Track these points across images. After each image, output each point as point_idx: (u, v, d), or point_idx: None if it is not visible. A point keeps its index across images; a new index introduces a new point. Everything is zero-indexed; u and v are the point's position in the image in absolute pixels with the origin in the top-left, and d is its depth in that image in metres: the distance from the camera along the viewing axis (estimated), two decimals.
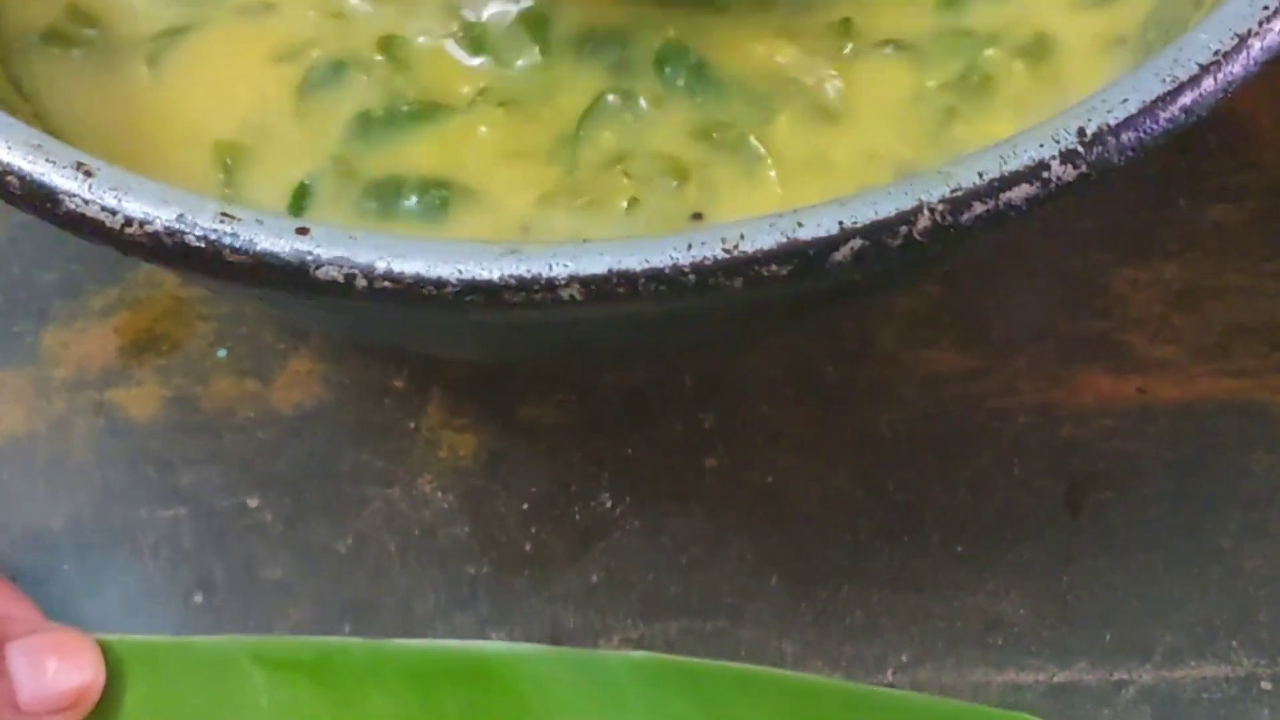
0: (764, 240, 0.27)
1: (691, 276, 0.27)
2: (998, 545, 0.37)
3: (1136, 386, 0.39)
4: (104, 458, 0.38)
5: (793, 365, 0.39)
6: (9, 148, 0.29)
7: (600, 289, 0.27)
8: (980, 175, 0.27)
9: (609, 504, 0.37)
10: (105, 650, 0.33)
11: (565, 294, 0.27)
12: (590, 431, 0.38)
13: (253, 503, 0.37)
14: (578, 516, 0.37)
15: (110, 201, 0.28)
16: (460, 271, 0.27)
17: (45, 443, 0.38)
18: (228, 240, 0.28)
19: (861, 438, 0.38)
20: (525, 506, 0.37)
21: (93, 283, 0.40)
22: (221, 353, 0.39)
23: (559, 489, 0.37)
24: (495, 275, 0.27)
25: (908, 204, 0.27)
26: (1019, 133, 0.28)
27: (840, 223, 0.27)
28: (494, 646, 0.35)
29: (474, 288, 0.27)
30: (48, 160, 0.29)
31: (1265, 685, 0.36)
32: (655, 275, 0.27)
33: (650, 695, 0.34)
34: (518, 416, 0.38)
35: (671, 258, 0.27)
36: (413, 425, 0.38)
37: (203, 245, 0.28)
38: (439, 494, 0.37)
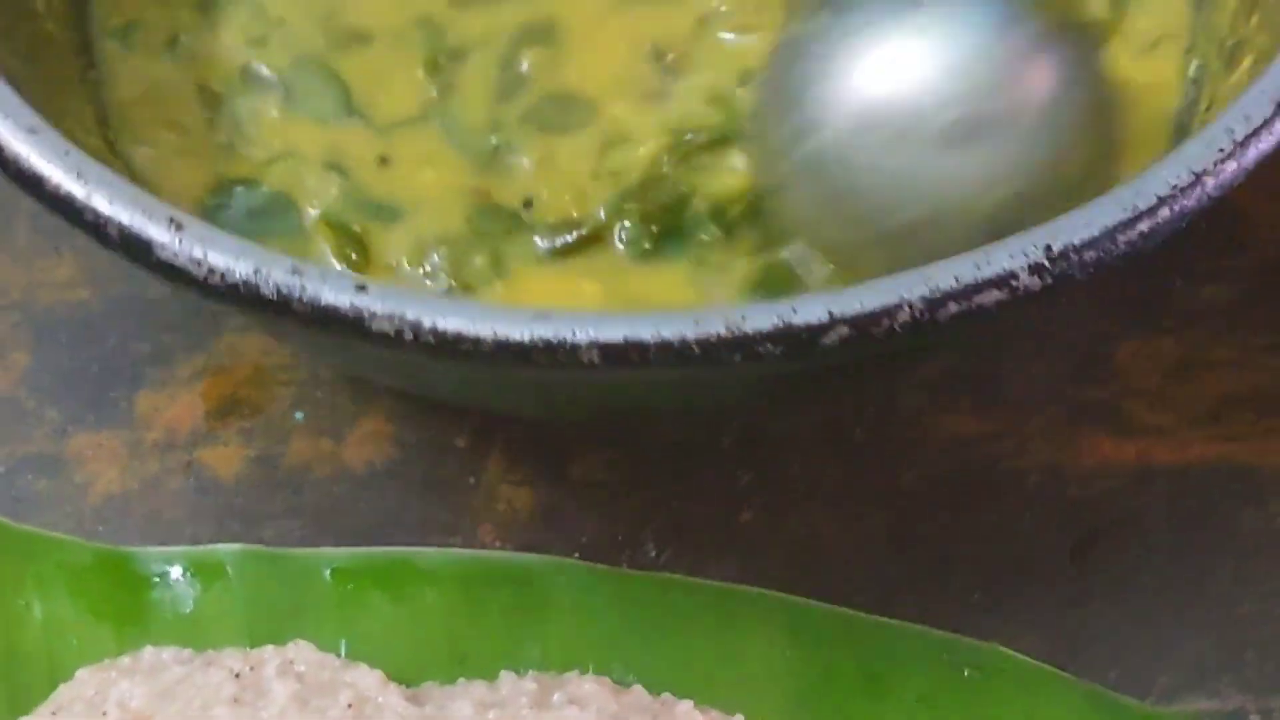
0: (762, 322, 0.31)
1: (696, 349, 0.31)
2: (1012, 592, 0.41)
3: (1136, 450, 0.43)
4: (194, 514, 0.41)
5: (823, 427, 0.42)
6: (110, 202, 0.33)
7: (616, 354, 0.31)
8: (956, 279, 0.31)
9: (653, 553, 0.41)
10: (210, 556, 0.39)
11: (585, 357, 0.31)
12: (636, 486, 0.42)
13: (325, 548, 0.41)
14: (624, 564, 0.41)
15: (197, 254, 0.32)
16: (494, 331, 0.31)
17: (138, 500, 0.42)
18: (296, 293, 0.32)
19: (888, 493, 0.42)
20: (576, 555, 0.40)
21: (181, 352, 0.43)
22: (299, 415, 0.43)
23: (607, 539, 0.41)
24: (525, 337, 0.31)
25: (891, 300, 0.31)
26: (992, 244, 0.32)
27: (830, 312, 0.31)
28: (535, 557, 0.40)
29: (505, 346, 0.31)
30: (144, 215, 0.32)
31: (1254, 718, 0.39)
32: (664, 346, 0.31)
33: (673, 611, 0.39)
34: (569, 473, 0.42)
35: (679, 331, 0.31)
36: (473, 480, 0.42)
37: (274, 297, 0.32)
38: (497, 543, 0.41)
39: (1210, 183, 0.33)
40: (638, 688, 0.37)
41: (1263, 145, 0.33)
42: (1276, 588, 0.41)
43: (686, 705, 0.37)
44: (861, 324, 0.31)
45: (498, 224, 0.40)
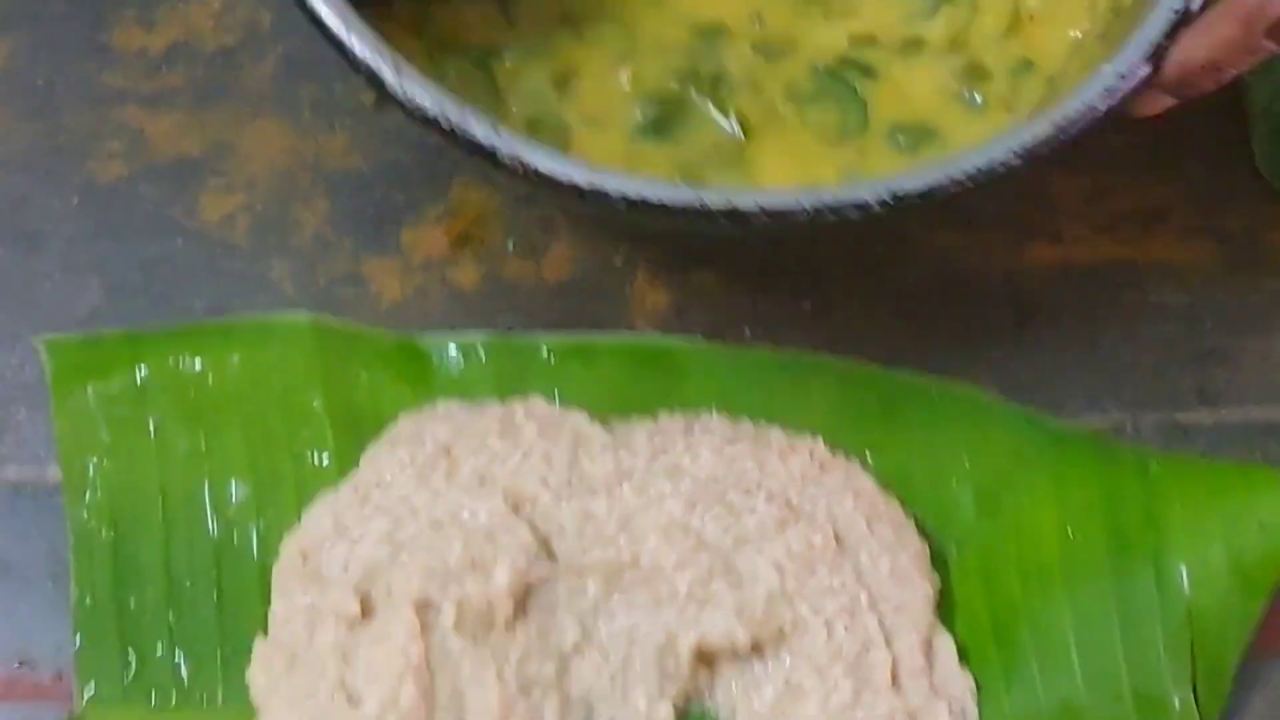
0: (745, 201, 0.48)
1: (722, 216, 0.49)
2: (977, 351, 0.60)
3: (1062, 254, 0.61)
4: (449, 312, 0.60)
5: (851, 246, 0.61)
6: (362, 46, 0.49)
7: (670, 209, 0.48)
8: (834, 199, 0.48)
9: (748, 333, 0.60)
10: (468, 338, 0.59)
11: (615, 203, 0.48)
12: (734, 290, 0.60)
13: (539, 334, 0.60)
14: (729, 341, 0.60)
15: (405, 90, 0.49)
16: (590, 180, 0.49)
17: (413, 303, 0.60)
18: (459, 124, 0.49)
19: (898, 288, 0.61)
20: (699, 335, 0.60)
21: (428, 201, 0.62)
22: (510, 245, 0.62)
23: (718, 325, 0.60)
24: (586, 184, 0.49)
25: (792, 203, 0.48)
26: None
27: (799, 202, 0.48)
28: (673, 338, 0.59)
29: (600, 192, 0.49)
30: (381, 59, 0.49)
31: (1129, 428, 0.59)
32: (681, 208, 0.49)
33: (763, 370, 0.58)
34: (691, 281, 0.60)
35: (689, 200, 0.48)
36: (627, 289, 0.60)
37: (448, 128, 0.49)
38: (647, 329, 0.60)
39: (1001, 167, 0.49)
40: (745, 421, 0.58)
41: (1040, 151, 0.49)
42: (1143, 342, 0.60)
43: (776, 430, 0.58)
44: (776, 215, 0.48)
45: None
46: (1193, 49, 0.51)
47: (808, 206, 0.49)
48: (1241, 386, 0.60)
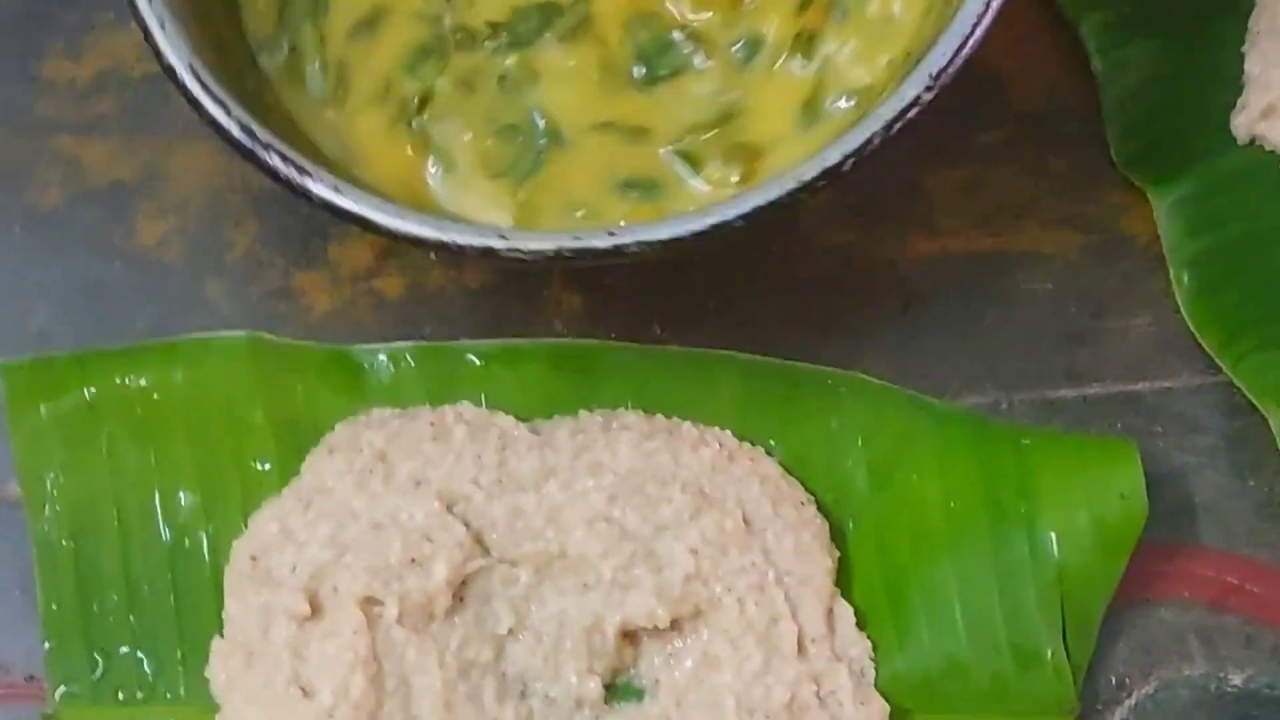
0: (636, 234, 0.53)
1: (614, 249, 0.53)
2: (866, 335, 0.64)
3: (940, 245, 0.65)
4: (378, 322, 0.64)
5: (752, 244, 0.65)
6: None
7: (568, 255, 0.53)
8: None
9: (659, 332, 0.64)
10: (397, 348, 0.62)
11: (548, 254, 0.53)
12: (645, 291, 0.64)
13: (464, 340, 0.64)
14: (642, 339, 0.64)
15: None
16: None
17: (343, 315, 0.64)
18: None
19: (795, 281, 0.65)
20: (613, 336, 0.63)
21: None
22: (432, 254, 0.65)
23: (631, 325, 0.64)
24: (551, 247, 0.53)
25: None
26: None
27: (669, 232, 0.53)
28: (589, 341, 0.63)
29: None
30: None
31: (1004, 406, 0.63)
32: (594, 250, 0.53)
33: (674, 367, 0.61)
34: (604, 284, 0.64)
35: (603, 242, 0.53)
36: (545, 292, 0.64)
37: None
38: (564, 330, 0.64)
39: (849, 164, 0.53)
40: (659, 415, 0.63)
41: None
42: (1017, 326, 0.64)
43: (688, 423, 0.62)
44: (670, 243, 0.53)
45: None
46: None
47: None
48: (1103, 364, 0.64)
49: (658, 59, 0.61)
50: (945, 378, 0.64)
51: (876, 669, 0.60)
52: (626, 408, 0.63)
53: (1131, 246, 0.66)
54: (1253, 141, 0.66)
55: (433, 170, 0.60)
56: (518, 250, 0.53)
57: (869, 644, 0.60)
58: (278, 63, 0.61)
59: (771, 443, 0.62)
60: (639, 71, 0.61)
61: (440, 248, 0.54)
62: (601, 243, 0.53)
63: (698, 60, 0.61)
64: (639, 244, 0.53)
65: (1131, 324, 0.65)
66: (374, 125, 0.60)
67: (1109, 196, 0.66)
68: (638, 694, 0.60)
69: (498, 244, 0.54)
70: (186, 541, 0.61)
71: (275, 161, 0.54)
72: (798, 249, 0.66)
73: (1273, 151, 0.65)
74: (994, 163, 0.66)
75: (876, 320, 0.65)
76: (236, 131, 0.54)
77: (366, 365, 0.63)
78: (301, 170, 0.54)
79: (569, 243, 0.53)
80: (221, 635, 0.59)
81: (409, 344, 0.63)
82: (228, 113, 0.55)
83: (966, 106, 0.66)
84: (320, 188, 0.54)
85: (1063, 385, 0.64)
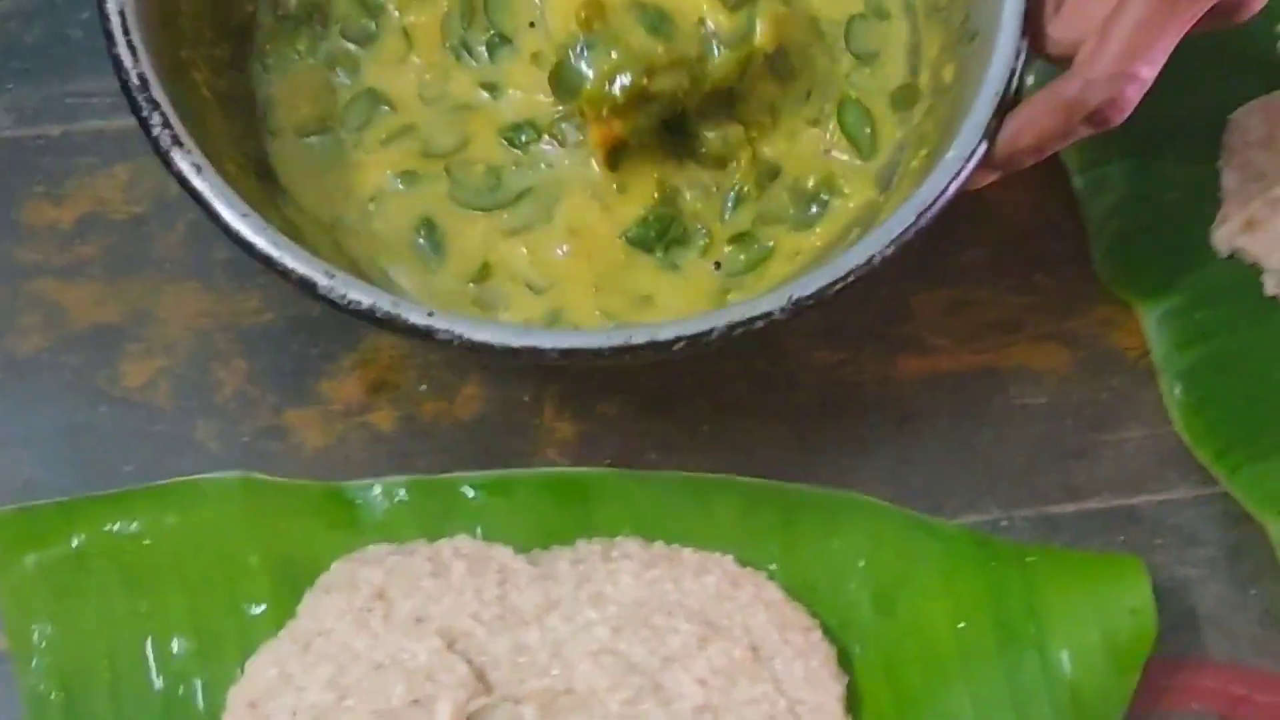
0: (641, 338, 0.54)
1: (608, 352, 0.54)
2: (861, 455, 0.64)
3: (929, 363, 0.65)
4: (371, 457, 0.63)
5: (743, 367, 0.65)
6: (294, 259, 0.54)
7: (565, 354, 0.54)
8: (742, 315, 0.54)
9: (654, 458, 0.63)
10: (390, 483, 0.62)
11: (549, 355, 0.54)
12: (638, 418, 0.64)
13: (458, 473, 0.64)
14: (636, 466, 0.64)
15: (341, 291, 0.55)
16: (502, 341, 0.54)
17: (335, 451, 0.64)
18: (395, 317, 0.54)
19: (788, 406, 0.65)
20: (608, 463, 0.64)
21: (342, 352, 0.65)
22: (423, 387, 0.64)
23: (625, 452, 0.63)
24: (517, 344, 0.54)
25: (707, 326, 0.54)
26: (760, 295, 0.55)
27: (676, 334, 0.54)
28: (583, 470, 0.62)
29: (508, 349, 0.54)
30: (312, 268, 0.54)
31: (1004, 523, 0.63)
32: (590, 350, 0.54)
33: (671, 493, 0.61)
34: (596, 412, 0.64)
35: (599, 342, 0.54)
36: (537, 422, 0.64)
37: (384, 318, 0.54)
38: (558, 460, 0.64)
39: (878, 258, 0.54)
40: (659, 543, 0.62)
41: (907, 239, 0.55)
42: (1013, 443, 0.64)
43: (688, 550, 0.62)
44: (692, 338, 0.54)
45: None
46: (1018, 132, 0.56)
47: (722, 325, 0.54)
48: (1100, 479, 0.64)
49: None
50: (944, 496, 0.64)
51: None
52: (625, 535, 0.63)
53: (1122, 360, 0.66)
54: (1233, 255, 0.66)
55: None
56: (333, 294, 0.54)
57: None
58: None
59: (773, 567, 0.62)
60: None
61: (267, 263, 0.55)
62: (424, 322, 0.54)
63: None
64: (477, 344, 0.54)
65: (1126, 437, 0.65)
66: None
67: (1096, 311, 0.66)
68: None
69: (321, 280, 0.55)
70: (180, 689, 0.60)
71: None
72: (787, 373, 0.66)
73: (1254, 264, 0.66)
74: (980, 281, 0.67)
75: (872, 440, 0.65)
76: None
77: (360, 501, 0.63)
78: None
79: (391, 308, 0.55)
80: None
81: (402, 478, 0.63)
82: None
83: (950, 226, 0.65)
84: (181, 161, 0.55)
85: (1062, 500, 0.64)
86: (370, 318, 0.55)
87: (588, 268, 0.63)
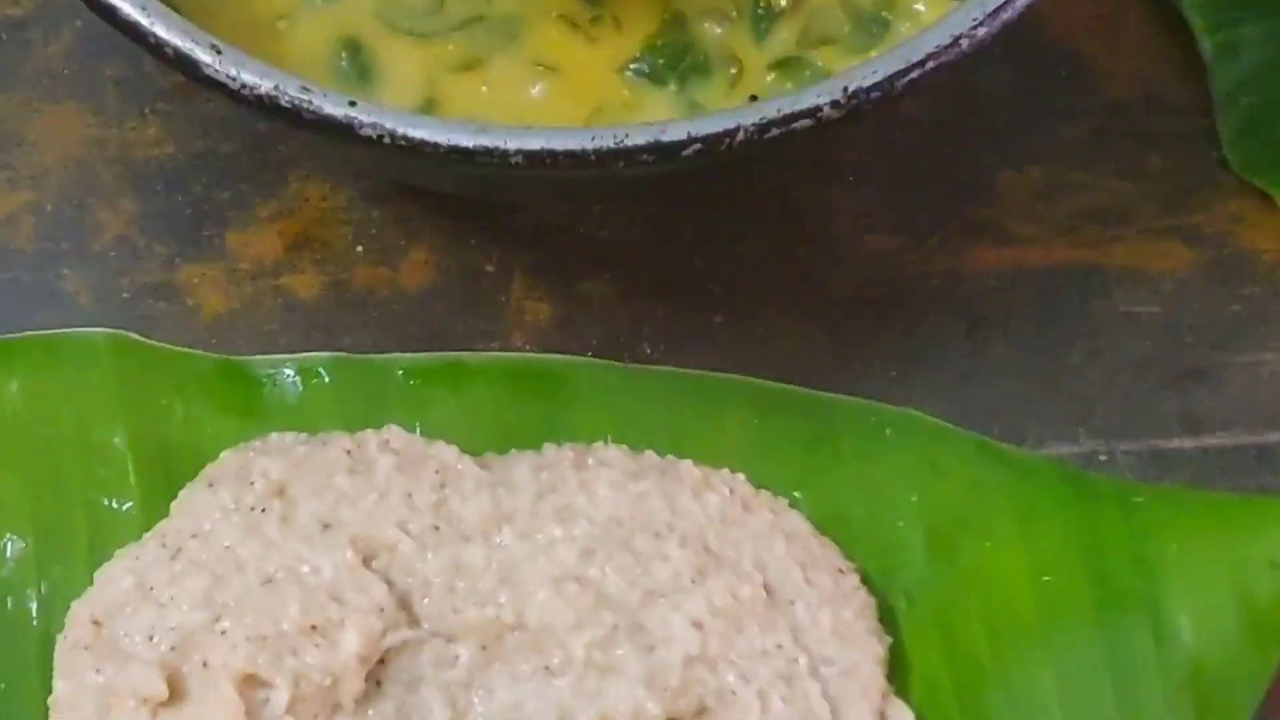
0: (639, 138, 0.42)
1: (593, 157, 0.42)
2: (920, 369, 0.53)
3: (1013, 256, 0.55)
4: (285, 328, 0.52)
5: (773, 250, 0.54)
6: (167, 30, 0.42)
7: (534, 159, 0.42)
8: (778, 110, 0.42)
9: (649, 351, 0.53)
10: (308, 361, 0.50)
11: (513, 160, 0.42)
12: (630, 300, 0.53)
13: (395, 354, 0.51)
14: (625, 359, 0.52)
15: (232, 72, 0.42)
16: (448, 139, 0.42)
17: (241, 318, 0.52)
18: (304, 105, 0.42)
19: (825, 298, 0.54)
20: (590, 355, 0.52)
21: (257, 198, 0.54)
22: (359, 248, 0.53)
23: (612, 342, 0.53)
24: (470, 144, 0.42)
25: (731, 124, 0.42)
26: (805, 88, 0.43)
27: (688, 133, 0.42)
28: (559, 357, 0.52)
29: (456, 149, 0.42)
30: (194, 41, 0.42)
31: (1102, 458, 0.53)
32: (570, 154, 0.42)
33: (667, 395, 0.51)
34: (578, 290, 0.54)
35: (581, 144, 0.42)
36: (503, 299, 0.53)
37: (289, 107, 0.42)
38: (527, 346, 0.53)
39: (965, 43, 0.43)
40: (649, 452, 0.49)
41: (1005, 16, 0.43)
42: (1117, 360, 0.54)
43: (688, 463, 0.49)
44: (709, 141, 0.42)
45: None
46: None
47: (750, 124, 0.41)
48: (1227, 409, 0.54)
49: None
50: (1023, 420, 0.53)
51: None
52: (605, 442, 0.50)
53: (1257, 265, 0.56)
54: None
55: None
56: (220, 75, 0.42)
57: None
58: None
59: (796, 495, 0.51)
60: None
61: (136, 35, 0.43)
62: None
63: None
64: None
65: (1261, 360, 0.55)
66: None
67: (1225, 204, 0.57)
68: None
69: (204, 57, 0.43)
70: (9, 602, 0.48)
71: None
72: (829, 258, 0.55)
73: None
74: (1080, 161, 0.57)
75: (933, 346, 0.54)
76: None
77: (266, 380, 0.51)
78: None
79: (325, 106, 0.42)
80: None
81: (324, 355, 0.52)
82: None
83: (1046, 93, 0.57)
84: None
85: (1177, 434, 0.53)
86: (271, 108, 0.43)
87: (575, 108, 0.49)
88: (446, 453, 0.48)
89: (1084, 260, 0.55)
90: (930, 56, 0.42)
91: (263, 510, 0.47)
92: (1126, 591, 0.49)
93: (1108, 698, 0.48)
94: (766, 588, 0.47)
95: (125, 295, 0.52)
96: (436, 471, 0.48)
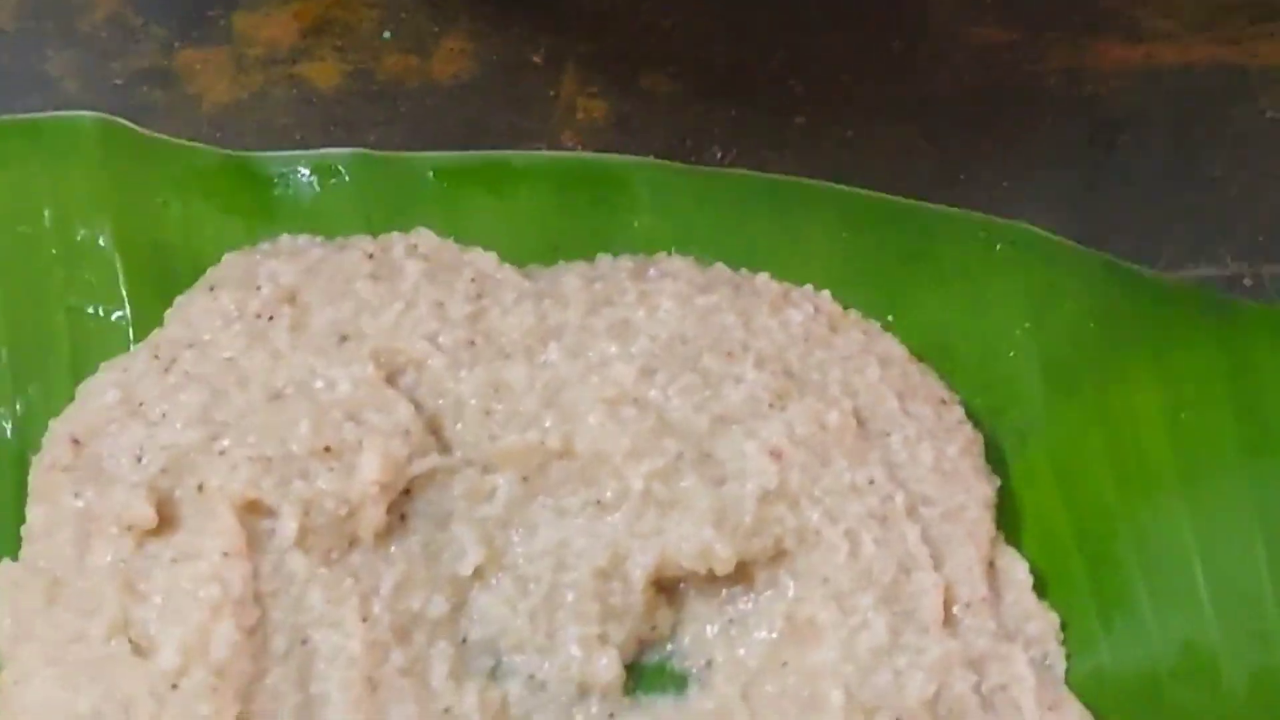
0: None
1: None
2: (1035, 179, 0.48)
3: (1144, 53, 0.49)
4: (300, 122, 0.47)
5: (863, 42, 0.48)
6: None
7: None
8: None
9: (719, 154, 0.47)
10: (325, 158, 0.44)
11: None
12: (699, 98, 0.48)
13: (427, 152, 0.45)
14: (693, 164, 0.46)
15: None
16: None
17: (249, 109, 0.47)
18: None
19: (923, 97, 0.48)
20: (652, 155, 0.46)
21: None
22: (387, 34, 0.48)
23: (678, 144, 0.47)
24: None
25: None
26: None
27: None
28: (616, 157, 0.45)
29: None
30: None
31: (1247, 282, 0.47)
32: None
33: (741, 202, 0.45)
34: (639, 85, 0.48)
35: None
36: (552, 93, 0.48)
37: None
38: (578, 149, 0.47)
39: None
40: (719, 264, 0.43)
41: None
42: (1264, 172, 0.48)
43: (764, 276, 0.43)
44: None
45: None
46: None
47: None
48: None
49: None
50: (1156, 240, 0.48)
51: (1068, 658, 0.42)
52: (669, 253, 0.45)
53: None
54: None
55: None
56: None
57: (1056, 620, 0.42)
58: None
59: (890, 317, 0.46)
60: None
61: None
62: None
63: None
64: None
65: None
66: None
67: None
68: (678, 680, 0.41)
69: None
70: None
71: None
72: (929, 53, 0.50)
73: None
74: None
75: (1051, 155, 0.49)
76: None
77: (278, 179, 0.46)
78: None
79: None
80: (15, 558, 0.41)
81: (344, 151, 0.46)
82: None
83: None
84: None
85: None
86: None
87: None
88: (484, 260, 0.43)
89: (1226, 59, 0.50)
90: None
91: (270, 318, 0.41)
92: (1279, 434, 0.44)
93: (1258, 552, 0.43)
94: (857, 416, 0.42)
95: (117, 81, 0.48)
96: (473, 280, 0.42)
